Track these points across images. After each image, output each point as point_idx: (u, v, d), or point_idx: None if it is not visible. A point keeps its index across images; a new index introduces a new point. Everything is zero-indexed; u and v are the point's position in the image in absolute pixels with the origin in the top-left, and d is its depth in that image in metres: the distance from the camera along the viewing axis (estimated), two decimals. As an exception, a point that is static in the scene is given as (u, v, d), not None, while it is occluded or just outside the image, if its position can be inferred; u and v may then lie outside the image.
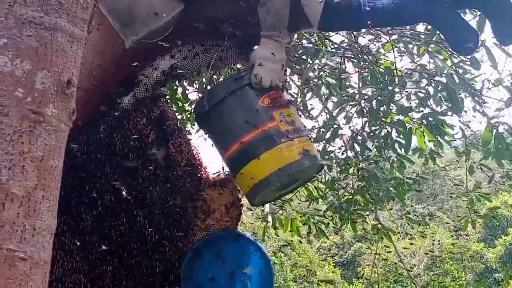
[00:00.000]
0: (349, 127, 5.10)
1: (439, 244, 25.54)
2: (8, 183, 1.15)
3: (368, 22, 3.00)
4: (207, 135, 3.09)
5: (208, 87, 3.27)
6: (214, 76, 4.05)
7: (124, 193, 2.86)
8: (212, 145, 3.12)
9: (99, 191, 2.83)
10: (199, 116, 3.02)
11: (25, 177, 1.17)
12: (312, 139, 2.97)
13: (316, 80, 4.76)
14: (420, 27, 4.65)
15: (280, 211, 5.92)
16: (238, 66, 4.18)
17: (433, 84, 4.57)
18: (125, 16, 2.80)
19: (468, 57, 4.15)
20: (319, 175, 5.36)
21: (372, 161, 5.23)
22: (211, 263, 2.88)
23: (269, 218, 5.94)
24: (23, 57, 1.19)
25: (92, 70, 2.84)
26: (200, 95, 3.76)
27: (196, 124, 3.88)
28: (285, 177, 2.78)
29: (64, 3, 1.23)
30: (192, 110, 3.08)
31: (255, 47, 2.92)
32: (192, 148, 3.14)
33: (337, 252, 27.63)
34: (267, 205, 5.99)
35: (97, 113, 2.90)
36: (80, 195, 2.80)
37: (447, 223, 29.16)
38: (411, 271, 21.43)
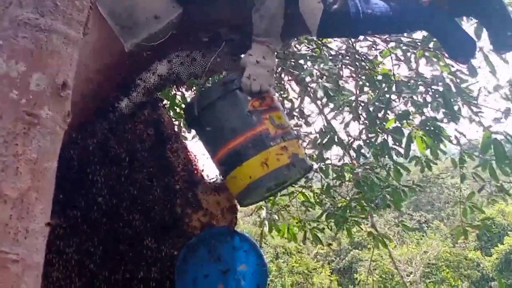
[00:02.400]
0: (345, 132, 5.10)
1: (435, 252, 25.51)
2: (1, 185, 1.14)
3: (366, 30, 3.00)
4: (198, 138, 3.10)
5: (199, 91, 3.27)
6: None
7: (119, 197, 2.87)
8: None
9: (95, 194, 2.82)
10: (190, 120, 3.03)
11: (18, 179, 1.17)
12: (300, 141, 2.98)
13: (313, 85, 4.76)
14: (418, 35, 4.67)
15: (277, 217, 5.92)
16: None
17: (430, 92, 4.58)
18: (124, 19, 2.79)
19: (465, 64, 4.16)
20: (314, 181, 5.38)
21: (368, 167, 5.23)
22: (205, 260, 2.89)
23: (266, 224, 5.94)
24: (18, 59, 1.18)
25: (89, 75, 2.83)
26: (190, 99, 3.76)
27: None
28: (275, 181, 2.81)
29: (60, 5, 1.22)
30: (183, 114, 3.08)
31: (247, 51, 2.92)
32: (189, 154, 3.15)
33: (334, 259, 27.59)
34: (263, 211, 6.00)
35: (94, 117, 2.89)
36: (77, 198, 2.79)
37: (444, 231, 29.15)
38: (408, 277, 21.42)
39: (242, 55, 2.93)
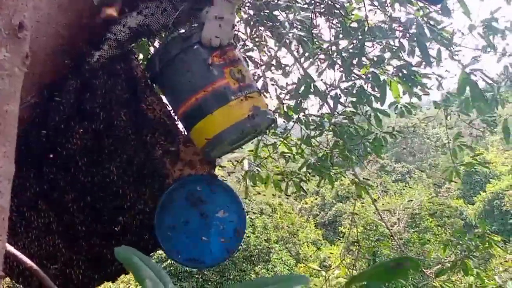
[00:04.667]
0: (321, 80, 5.09)
1: (418, 202, 25.82)
2: (-39, 129, 1.12)
3: None
4: (162, 94, 3.09)
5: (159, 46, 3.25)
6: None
7: (96, 152, 2.85)
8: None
9: (71, 150, 2.80)
10: (152, 75, 3.00)
11: (-22, 122, 1.14)
12: (262, 94, 2.98)
13: (288, 36, 4.72)
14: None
15: (259, 169, 5.94)
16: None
17: (406, 37, 4.57)
18: None
19: (439, 5, 4.14)
20: (294, 132, 5.38)
21: (347, 116, 5.24)
22: (183, 207, 2.91)
23: (248, 180, 5.96)
24: (-29, -1, 1.15)
25: (59, 30, 2.79)
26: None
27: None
28: (237, 134, 2.82)
29: None
30: (145, 70, 3.06)
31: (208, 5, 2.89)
32: (165, 106, 3.12)
33: (318, 213, 27.87)
34: (245, 165, 6.01)
35: (65, 73, 2.86)
36: (51, 154, 2.77)
37: (426, 181, 29.45)
38: (392, 228, 21.69)
39: (203, 10, 2.90)
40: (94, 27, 2.94)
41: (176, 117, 3.03)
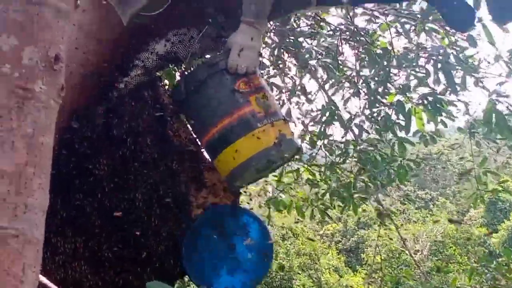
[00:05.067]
0: (345, 108, 5.09)
1: (441, 229, 25.54)
2: (-3, 160, 1.14)
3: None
4: (187, 121, 3.08)
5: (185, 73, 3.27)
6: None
7: (122, 178, 2.87)
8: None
9: (97, 175, 2.82)
10: (178, 102, 3.01)
11: (14, 154, 1.16)
12: (287, 121, 2.97)
13: (313, 62, 4.74)
14: (416, 7, 4.64)
15: (282, 195, 5.92)
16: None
17: (431, 64, 4.56)
18: None
19: (465, 34, 4.13)
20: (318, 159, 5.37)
21: (371, 143, 5.21)
22: (211, 237, 2.91)
23: (271, 206, 5.94)
24: (10, 32, 1.17)
25: (87, 55, 2.81)
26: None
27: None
28: (263, 162, 2.82)
29: (50, -23, 1.21)
30: (171, 97, 3.07)
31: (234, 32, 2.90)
32: (191, 133, 3.14)
33: (340, 239, 27.65)
34: (269, 190, 6.00)
35: (94, 99, 2.88)
36: (79, 178, 2.79)
37: (450, 208, 29.16)
38: (415, 255, 21.44)
39: (229, 36, 2.91)
40: (122, 54, 2.97)
41: (201, 144, 3.02)
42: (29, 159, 1.18)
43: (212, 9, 3.01)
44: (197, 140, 3.05)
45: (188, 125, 3.12)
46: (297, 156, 5.47)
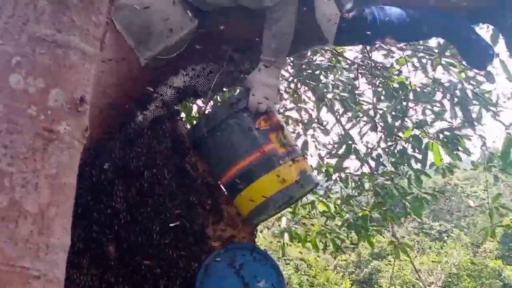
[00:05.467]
0: (361, 141, 5.08)
1: (456, 261, 25.30)
2: (21, 201, 1.15)
3: (383, 37, 2.99)
4: (205, 159, 3.08)
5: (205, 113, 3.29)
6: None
7: (139, 210, 2.87)
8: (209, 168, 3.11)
9: (114, 208, 2.83)
10: (196, 140, 3.02)
11: (38, 194, 1.17)
12: (306, 158, 2.98)
13: (330, 95, 4.75)
14: (433, 42, 4.65)
15: (297, 226, 5.90)
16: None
17: (447, 98, 4.56)
18: (140, 33, 2.81)
19: (483, 70, 4.13)
20: (333, 191, 5.36)
21: (387, 177, 5.20)
22: (225, 275, 2.89)
23: (286, 236, 5.92)
24: (36, 75, 1.19)
25: (106, 89, 2.84)
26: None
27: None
28: (285, 199, 2.83)
29: (76, 20, 1.23)
30: (189, 135, 3.08)
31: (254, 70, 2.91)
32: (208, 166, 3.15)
33: (354, 270, 27.42)
34: (283, 221, 5.98)
35: (111, 131, 2.91)
36: (95, 212, 2.80)
37: (464, 240, 28.90)
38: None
39: (249, 75, 2.92)
40: (141, 88, 3.00)
41: (220, 183, 3.01)
42: (52, 200, 1.19)
43: (229, 47, 3.03)
44: (216, 178, 3.04)
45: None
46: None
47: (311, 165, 3.07)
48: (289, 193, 2.79)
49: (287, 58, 2.95)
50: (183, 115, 3.93)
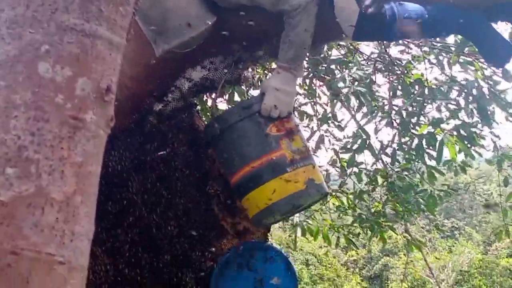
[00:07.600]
0: (376, 137, 5.08)
1: (467, 259, 25.23)
2: (47, 188, 1.16)
3: (403, 33, 2.98)
4: (217, 157, 3.09)
5: (219, 113, 3.29)
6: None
7: (156, 202, 2.89)
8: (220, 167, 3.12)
9: (131, 200, 2.85)
10: (210, 138, 3.03)
11: (64, 182, 1.18)
12: (316, 167, 2.96)
13: (345, 90, 4.74)
14: (451, 39, 4.63)
15: (309, 221, 5.91)
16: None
17: (463, 96, 4.55)
18: (158, 25, 2.81)
19: (501, 69, 4.11)
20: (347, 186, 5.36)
21: (401, 173, 5.19)
22: (239, 271, 2.90)
23: (298, 231, 5.92)
24: (64, 64, 1.20)
25: (124, 80, 2.85)
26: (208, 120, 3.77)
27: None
28: (288, 207, 2.81)
29: (104, 10, 1.24)
30: (204, 132, 3.09)
31: (270, 76, 2.91)
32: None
33: (364, 266, 27.39)
34: (296, 216, 5.99)
35: (130, 124, 2.92)
36: (113, 204, 2.82)
37: (476, 238, 28.80)
38: (440, 285, 21.20)
39: (265, 80, 2.91)
40: (159, 80, 3.01)
41: (229, 183, 3.01)
42: (77, 188, 1.20)
43: (238, 46, 3.03)
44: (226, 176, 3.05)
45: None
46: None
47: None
48: (294, 201, 2.78)
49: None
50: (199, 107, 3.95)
